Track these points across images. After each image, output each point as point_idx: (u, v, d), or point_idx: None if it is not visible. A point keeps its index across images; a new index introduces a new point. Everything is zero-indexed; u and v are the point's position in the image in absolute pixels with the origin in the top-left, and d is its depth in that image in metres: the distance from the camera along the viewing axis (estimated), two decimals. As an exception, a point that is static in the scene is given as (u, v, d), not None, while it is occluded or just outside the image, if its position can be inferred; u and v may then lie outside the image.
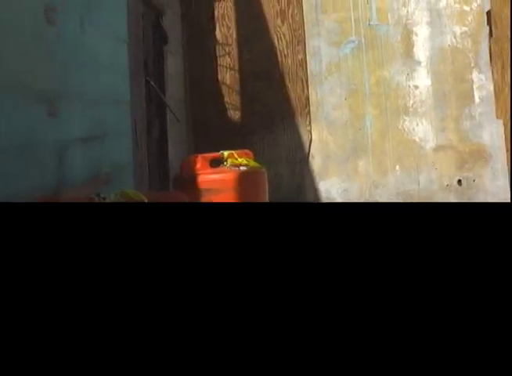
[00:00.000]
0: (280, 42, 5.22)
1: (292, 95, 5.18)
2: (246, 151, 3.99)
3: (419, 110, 5.14)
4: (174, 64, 4.60)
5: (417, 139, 5.13)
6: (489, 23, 5.13)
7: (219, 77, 5.22)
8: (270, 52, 5.21)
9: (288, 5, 5.22)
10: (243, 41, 5.22)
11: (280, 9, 5.22)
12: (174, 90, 4.60)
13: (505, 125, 5.05)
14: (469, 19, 5.16)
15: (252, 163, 3.87)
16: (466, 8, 5.18)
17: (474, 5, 5.17)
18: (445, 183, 5.10)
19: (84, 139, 2.55)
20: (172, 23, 4.68)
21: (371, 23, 5.18)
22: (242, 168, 3.80)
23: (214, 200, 3.48)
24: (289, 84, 5.18)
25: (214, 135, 5.08)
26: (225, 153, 3.86)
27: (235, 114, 5.19)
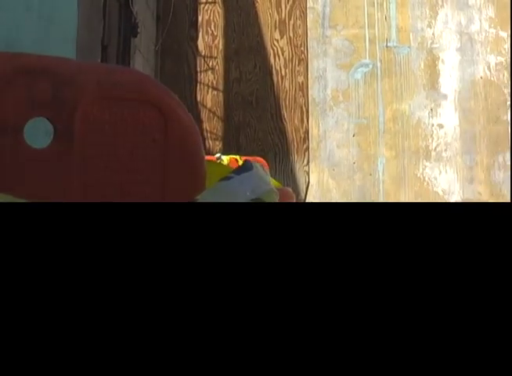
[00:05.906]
0: (277, 60, 4.28)
1: (288, 127, 4.26)
2: (259, 159, 2.59)
3: (443, 154, 4.29)
4: (143, 71, 3.59)
5: (440, 191, 4.28)
6: (527, 54, 4.37)
7: (198, 98, 4.23)
8: (264, 71, 4.27)
9: (289, 15, 4.29)
10: (230, 56, 4.25)
11: (280, 20, 4.28)
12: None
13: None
14: (506, 47, 4.38)
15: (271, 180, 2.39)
16: (503, 34, 4.37)
17: (513, 31, 4.36)
18: (472, 247, 4.26)
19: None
20: (144, 21, 3.65)
21: (389, 44, 4.34)
22: None
23: None
24: (285, 113, 4.26)
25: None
26: (225, 158, 2.50)
27: (215, 145, 4.17)
